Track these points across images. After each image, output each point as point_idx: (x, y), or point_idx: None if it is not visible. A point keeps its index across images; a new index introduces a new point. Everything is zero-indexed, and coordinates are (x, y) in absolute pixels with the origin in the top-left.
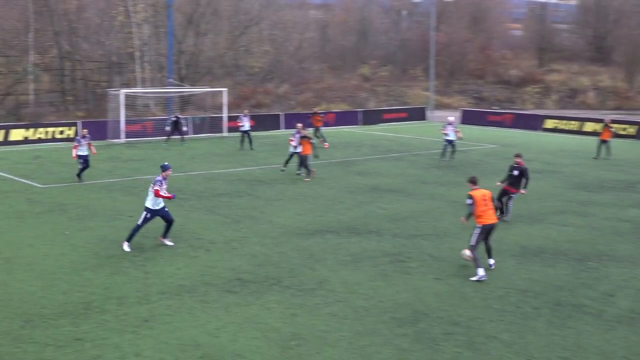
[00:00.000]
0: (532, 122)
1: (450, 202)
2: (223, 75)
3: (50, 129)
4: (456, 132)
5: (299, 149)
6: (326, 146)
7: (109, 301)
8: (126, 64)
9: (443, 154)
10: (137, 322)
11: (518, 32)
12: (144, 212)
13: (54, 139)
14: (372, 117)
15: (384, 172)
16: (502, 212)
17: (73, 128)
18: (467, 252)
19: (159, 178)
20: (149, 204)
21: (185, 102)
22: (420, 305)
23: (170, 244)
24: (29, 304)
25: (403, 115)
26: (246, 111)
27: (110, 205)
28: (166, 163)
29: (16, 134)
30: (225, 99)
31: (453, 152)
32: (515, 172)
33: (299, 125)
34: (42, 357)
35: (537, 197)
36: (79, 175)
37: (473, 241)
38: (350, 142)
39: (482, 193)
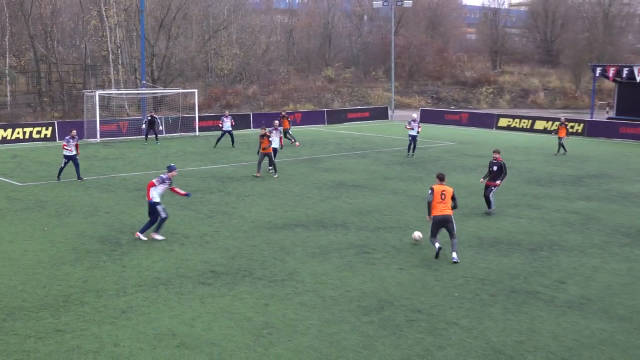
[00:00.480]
0: (487, 121)
1: (411, 197)
2: (194, 77)
3: (28, 129)
4: (418, 128)
5: (276, 145)
6: (297, 145)
7: (88, 294)
8: (100, 66)
9: (409, 148)
10: (115, 314)
11: (473, 36)
12: (158, 206)
13: (31, 139)
14: (337, 117)
15: (349, 168)
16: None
17: (50, 128)
18: (416, 234)
19: (164, 176)
20: (157, 198)
21: (158, 102)
22: (385, 294)
23: (161, 238)
24: (10, 298)
25: (366, 114)
26: (227, 112)
27: (87, 202)
28: (172, 164)
29: None
30: (196, 100)
31: (414, 147)
32: (495, 168)
33: (276, 122)
34: (23, 349)
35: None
36: (59, 174)
37: (430, 232)
38: (317, 140)
39: (442, 188)
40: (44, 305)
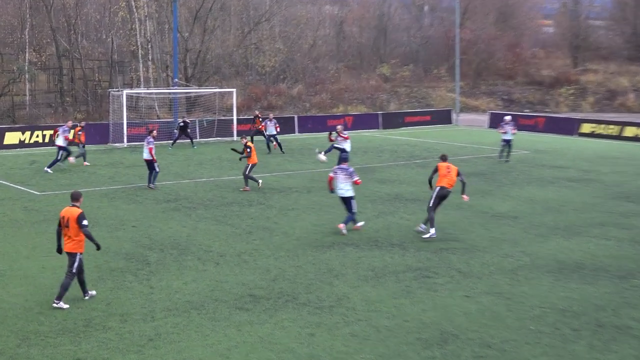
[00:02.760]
0: (567, 126)
1: (479, 213)
2: (232, 75)
3: (48, 132)
4: (512, 130)
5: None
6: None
7: (111, 318)
8: (129, 62)
9: (501, 154)
10: (142, 341)
11: (550, 29)
12: (354, 200)
13: (51, 143)
14: (393, 121)
15: (406, 180)
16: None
17: (72, 131)
18: (321, 157)
19: (351, 169)
20: (351, 192)
21: (192, 103)
22: (449, 325)
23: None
24: (26, 321)
25: (426, 118)
26: (272, 115)
27: (112, 214)
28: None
29: (11, 137)
30: (234, 100)
31: (509, 153)
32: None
33: (339, 127)
34: None
35: (574, 208)
36: (50, 165)
37: (431, 202)
38: (370, 147)
39: (447, 164)
40: (63, 330)
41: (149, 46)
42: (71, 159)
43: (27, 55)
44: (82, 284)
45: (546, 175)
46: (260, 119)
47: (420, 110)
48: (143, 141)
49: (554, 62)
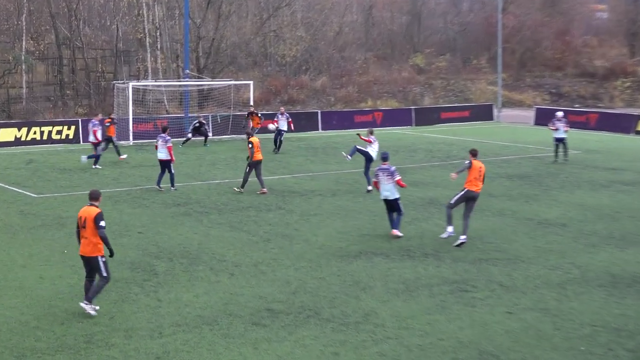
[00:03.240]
0: (623, 123)
1: (522, 220)
2: (249, 66)
3: (46, 129)
4: (565, 127)
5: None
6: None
7: (115, 334)
8: (135, 52)
9: (556, 154)
10: None
11: (604, 15)
12: (400, 201)
13: (50, 140)
14: (428, 117)
15: (442, 182)
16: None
17: (72, 127)
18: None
19: (392, 168)
20: (396, 194)
21: (205, 97)
22: (488, 344)
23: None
24: (21, 336)
25: (465, 114)
26: (283, 109)
27: (116, 219)
28: (386, 152)
29: (6, 134)
30: (251, 94)
31: (566, 152)
32: None
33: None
34: None
35: (631, 215)
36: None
37: (453, 200)
38: (401, 146)
39: (480, 165)
40: (62, 346)
41: (158, 34)
42: (83, 157)
43: (24, 43)
44: (88, 291)
45: (599, 178)
46: (259, 116)
47: (458, 105)
48: (150, 139)
49: (608, 51)
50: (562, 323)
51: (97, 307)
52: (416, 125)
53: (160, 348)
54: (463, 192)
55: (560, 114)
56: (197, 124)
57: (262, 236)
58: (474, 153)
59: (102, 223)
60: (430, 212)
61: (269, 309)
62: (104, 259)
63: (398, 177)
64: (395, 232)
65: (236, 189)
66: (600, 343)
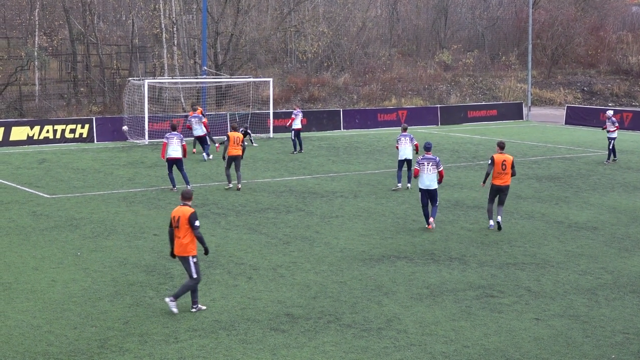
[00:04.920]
0: None
1: (552, 223)
2: (269, 63)
3: (59, 127)
4: (615, 127)
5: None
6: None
7: (129, 338)
8: (151, 48)
9: (609, 155)
10: None
11: (639, 9)
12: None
13: (63, 139)
14: (454, 115)
15: (468, 183)
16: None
17: (86, 126)
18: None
19: (437, 158)
20: (436, 184)
21: (223, 94)
22: (515, 352)
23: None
24: (33, 341)
25: (493, 112)
26: (296, 106)
27: (131, 221)
28: (429, 142)
29: (18, 133)
30: (271, 91)
31: (614, 152)
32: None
33: (404, 125)
34: None
35: None
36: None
37: (488, 199)
38: None
39: (503, 158)
40: (75, 351)
41: (175, 29)
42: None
43: (36, 39)
44: (194, 291)
45: (632, 180)
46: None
47: (486, 104)
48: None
49: None
50: (593, 330)
51: (204, 307)
52: (442, 124)
53: (176, 354)
54: (490, 187)
55: (610, 112)
56: (243, 131)
57: (281, 239)
58: (500, 145)
59: (197, 223)
60: (456, 215)
61: (288, 314)
62: (195, 260)
63: (442, 168)
64: (432, 223)
65: (226, 187)
66: (632, 351)
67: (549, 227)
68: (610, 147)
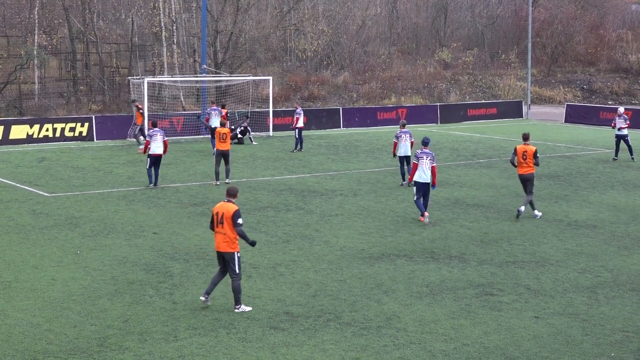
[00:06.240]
0: None
1: (552, 221)
2: (268, 61)
3: (59, 126)
4: (626, 124)
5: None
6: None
7: (129, 337)
8: (151, 46)
9: (616, 152)
10: None
11: (639, 8)
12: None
13: (63, 138)
14: (454, 114)
15: (468, 182)
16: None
17: (86, 124)
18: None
19: (433, 154)
20: (427, 179)
21: (222, 93)
22: (515, 350)
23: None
24: (33, 339)
25: (492, 111)
26: (298, 105)
27: (130, 219)
28: (427, 137)
29: (18, 131)
30: (270, 90)
31: (630, 149)
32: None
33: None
34: None
35: None
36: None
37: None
38: None
39: (525, 148)
40: (74, 349)
41: (174, 27)
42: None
43: (36, 37)
44: (214, 283)
45: (632, 178)
46: (141, 112)
47: (486, 102)
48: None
49: None
50: (592, 328)
51: (250, 309)
52: (441, 122)
53: (176, 352)
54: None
55: (621, 109)
56: (243, 129)
57: (280, 237)
58: (524, 137)
59: (240, 220)
60: (455, 213)
61: (287, 312)
62: (239, 255)
63: (435, 164)
64: (426, 215)
65: (215, 184)
66: (631, 349)
67: (549, 226)
68: (628, 146)
